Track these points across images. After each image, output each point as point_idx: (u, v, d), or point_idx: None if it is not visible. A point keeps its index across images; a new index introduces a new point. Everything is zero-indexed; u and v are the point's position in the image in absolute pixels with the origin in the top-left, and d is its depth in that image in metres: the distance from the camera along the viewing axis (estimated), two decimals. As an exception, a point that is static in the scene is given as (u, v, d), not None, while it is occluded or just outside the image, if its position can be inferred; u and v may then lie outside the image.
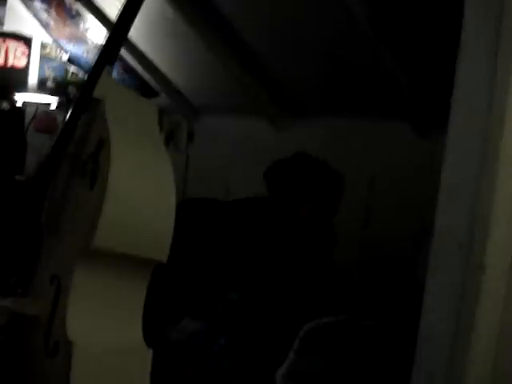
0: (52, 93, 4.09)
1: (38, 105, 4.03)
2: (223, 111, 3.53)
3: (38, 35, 4.06)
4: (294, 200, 2.40)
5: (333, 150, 2.93)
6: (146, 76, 3.64)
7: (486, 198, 1.28)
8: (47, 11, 3.90)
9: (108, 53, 1.78)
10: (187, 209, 2.66)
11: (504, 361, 1.34)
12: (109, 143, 1.63)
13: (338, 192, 2.47)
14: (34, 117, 3.99)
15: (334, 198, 2.46)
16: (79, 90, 4.07)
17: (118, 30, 1.76)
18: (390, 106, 2.61)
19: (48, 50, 4.07)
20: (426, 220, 2.54)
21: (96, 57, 1.80)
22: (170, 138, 3.72)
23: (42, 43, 4.06)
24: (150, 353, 1.70)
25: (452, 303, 1.29)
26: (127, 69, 3.56)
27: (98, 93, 1.74)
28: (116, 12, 1.71)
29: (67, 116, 1.85)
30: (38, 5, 3.92)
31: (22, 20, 4.12)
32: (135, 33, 3.22)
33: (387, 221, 2.69)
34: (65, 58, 4.11)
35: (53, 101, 4.05)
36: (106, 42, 1.78)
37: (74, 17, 3.72)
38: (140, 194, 1.65)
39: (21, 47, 3.95)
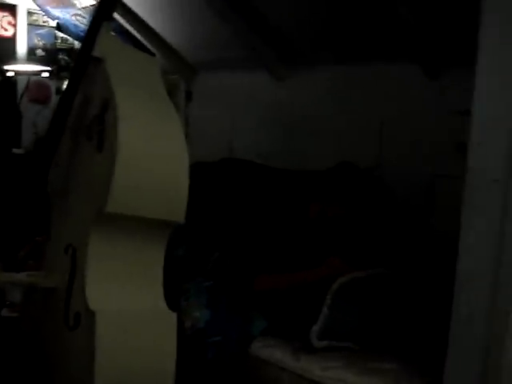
0: (42, 61, 3.97)
1: (29, 74, 3.92)
2: (221, 67, 3.42)
3: (24, 2, 3.92)
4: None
5: (338, 97, 2.86)
6: (140, 36, 3.53)
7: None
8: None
9: (105, 7, 1.68)
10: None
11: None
12: (114, 102, 1.55)
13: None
14: (26, 87, 3.88)
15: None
16: (71, 55, 3.97)
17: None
18: (396, 47, 2.51)
19: (35, 18, 3.94)
20: (438, 165, 2.51)
21: (93, 13, 1.71)
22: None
23: (28, 11, 3.93)
24: (174, 315, 1.66)
25: (491, 240, 1.23)
26: (119, 30, 3.44)
27: (98, 51, 1.66)
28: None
29: (67, 81, 1.77)
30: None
31: (4, -12, 3.97)
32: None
33: (398, 167, 2.62)
34: (53, 24, 3.98)
35: (44, 69, 3.94)
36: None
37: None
38: (152, 153, 1.58)
39: (6, 16, 3.82)
